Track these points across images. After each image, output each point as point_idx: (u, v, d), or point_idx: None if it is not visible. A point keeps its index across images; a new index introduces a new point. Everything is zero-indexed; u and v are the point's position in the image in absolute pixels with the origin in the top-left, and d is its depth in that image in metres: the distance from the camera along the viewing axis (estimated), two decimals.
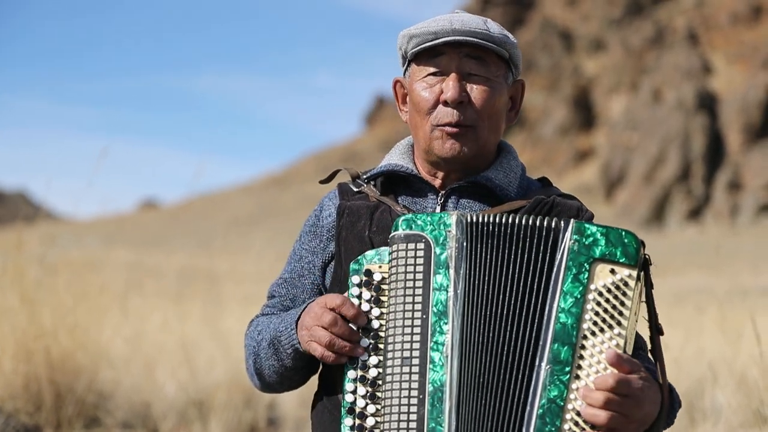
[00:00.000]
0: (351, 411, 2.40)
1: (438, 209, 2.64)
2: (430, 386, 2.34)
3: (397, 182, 2.73)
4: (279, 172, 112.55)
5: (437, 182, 2.69)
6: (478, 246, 2.39)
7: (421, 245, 2.40)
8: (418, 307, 2.37)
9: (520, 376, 2.34)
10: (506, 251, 2.39)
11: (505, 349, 2.35)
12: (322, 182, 2.82)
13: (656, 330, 2.48)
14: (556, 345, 2.32)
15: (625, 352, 2.32)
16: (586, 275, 2.34)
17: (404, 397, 2.35)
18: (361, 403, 2.40)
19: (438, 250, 2.39)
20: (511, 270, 2.38)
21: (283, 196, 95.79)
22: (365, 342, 2.42)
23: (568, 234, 2.37)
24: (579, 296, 2.33)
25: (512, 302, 2.37)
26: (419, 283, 2.38)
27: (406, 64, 2.73)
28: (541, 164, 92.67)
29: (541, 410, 2.30)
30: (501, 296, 2.37)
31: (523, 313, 2.36)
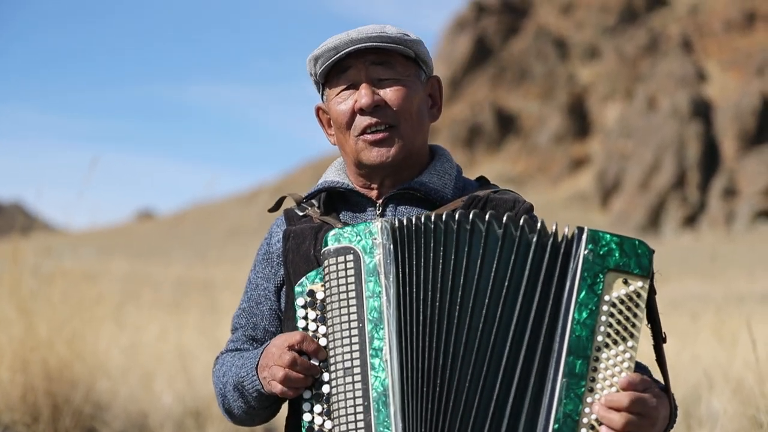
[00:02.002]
0: (311, 430, 2.42)
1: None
2: (374, 392, 2.34)
3: (337, 200, 2.75)
4: (274, 182, 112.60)
5: (373, 193, 2.71)
6: (407, 249, 2.39)
7: (350, 257, 2.41)
8: (354, 317, 2.39)
9: (522, 385, 2.32)
10: (432, 251, 2.38)
11: (487, 352, 2.33)
12: (270, 211, 2.85)
13: (661, 338, 2.48)
14: (571, 357, 2.28)
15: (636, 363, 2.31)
16: (601, 286, 2.30)
17: (350, 406, 2.36)
18: (318, 420, 2.42)
19: (367, 259, 2.40)
20: (443, 269, 2.36)
21: None
22: (315, 361, 2.43)
23: (582, 243, 2.33)
24: (594, 308, 2.29)
25: (466, 302, 2.34)
26: (352, 294, 2.40)
27: (321, 90, 2.75)
28: (536, 172, 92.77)
29: (557, 424, 2.27)
30: (449, 296, 2.35)
31: (515, 318, 2.33)
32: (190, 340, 9.17)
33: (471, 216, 2.38)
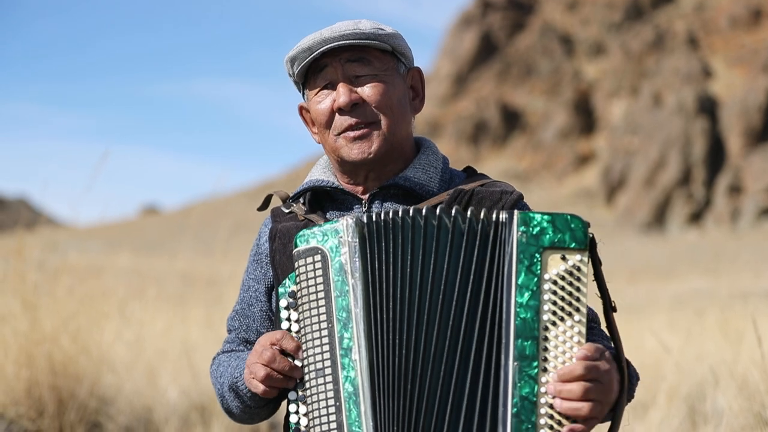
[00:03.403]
0: (297, 431, 2.44)
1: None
2: (345, 392, 2.35)
3: (323, 198, 2.75)
4: (279, 177, 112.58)
5: (359, 190, 2.70)
6: (372, 246, 2.39)
7: (318, 257, 2.42)
8: (324, 318, 2.40)
9: (477, 374, 2.32)
10: (400, 246, 2.37)
11: (445, 344, 2.32)
12: (258, 210, 2.83)
13: (610, 308, 2.46)
14: (519, 341, 2.28)
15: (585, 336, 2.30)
16: (539, 266, 2.30)
17: (323, 407, 2.38)
18: (303, 421, 2.43)
19: (333, 258, 2.40)
20: (411, 263, 2.36)
21: None
22: (298, 362, 2.44)
23: (514, 226, 2.33)
24: (535, 288, 2.29)
25: (442, 297, 2.34)
26: (321, 294, 2.41)
27: (301, 90, 2.75)
28: (542, 169, 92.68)
29: (515, 408, 2.28)
30: (408, 291, 2.35)
31: (466, 308, 2.33)
32: (195, 335, 9.17)
33: (437, 211, 2.37)
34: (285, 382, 2.45)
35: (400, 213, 2.38)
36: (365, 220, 2.40)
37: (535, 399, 2.28)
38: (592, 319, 2.59)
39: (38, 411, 6.77)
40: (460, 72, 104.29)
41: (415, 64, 2.76)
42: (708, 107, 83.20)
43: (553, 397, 2.27)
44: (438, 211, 2.37)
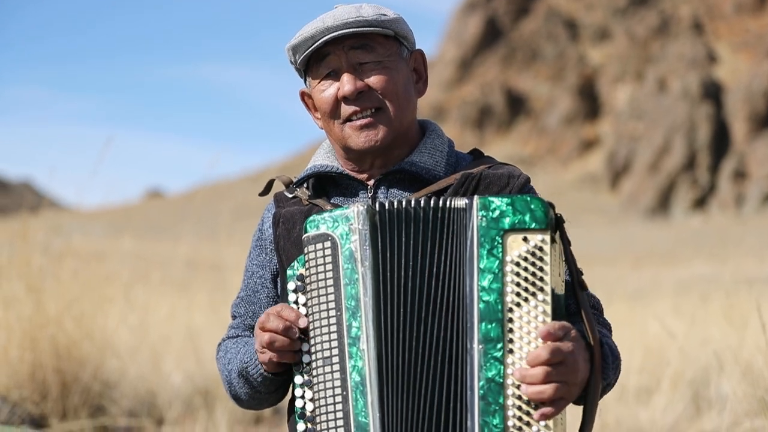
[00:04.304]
0: (302, 416, 2.44)
1: (370, 203, 2.62)
2: (352, 381, 2.34)
3: (327, 183, 2.73)
4: (284, 161, 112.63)
5: (364, 176, 2.68)
6: (382, 235, 2.38)
7: (327, 243, 2.40)
8: (332, 305, 2.38)
9: (449, 360, 2.32)
10: (412, 236, 2.37)
11: (431, 333, 2.33)
12: (260, 195, 2.82)
13: (579, 286, 2.44)
14: (483, 324, 2.28)
15: (555, 315, 2.29)
16: (500, 249, 2.30)
17: (329, 396, 2.37)
18: (309, 406, 2.43)
19: (344, 245, 2.39)
20: (421, 254, 2.36)
21: None
22: (306, 346, 2.43)
23: (474, 211, 2.32)
24: (497, 271, 2.29)
25: (431, 286, 2.34)
26: (330, 282, 2.39)
27: (303, 77, 2.72)
28: (546, 154, 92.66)
29: (482, 391, 2.28)
30: (418, 281, 2.35)
31: (444, 297, 2.34)
32: (199, 320, 9.17)
33: (422, 202, 2.37)
34: (291, 346, 2.43)
35: (412, 203, 2.37)
36: (377, 208, 2.39)
37: (501, 380, 2.27)
38: (593, 306, 2.58)
39: (42, 394, 6.78)
40: (465, 57, 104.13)
41: (419, 48, 2.74)
42: (713, 92, 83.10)
43: (519, 398, 2.27)
44: (423, 203, 2.37)
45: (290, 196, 2.71)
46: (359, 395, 2.33)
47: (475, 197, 2.33)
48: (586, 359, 2.33)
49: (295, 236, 2.59)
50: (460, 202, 2.35)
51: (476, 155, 2.76)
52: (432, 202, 2.37)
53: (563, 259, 2.39)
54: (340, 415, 2.35)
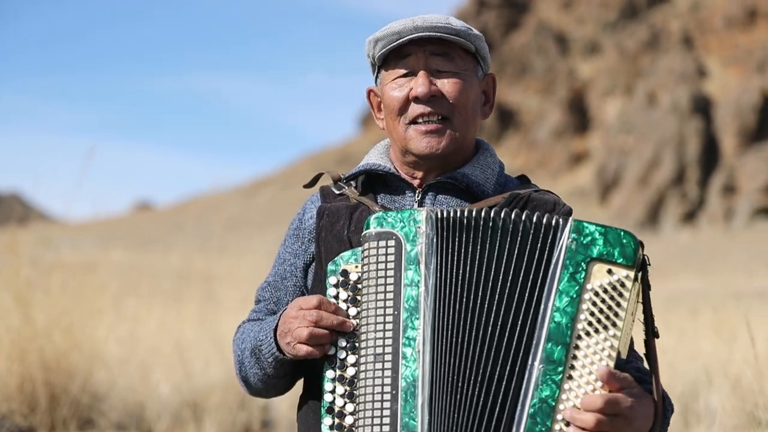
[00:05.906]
0: (330, 411, 2.42)
1: (416, 206, 2.65)
2: (403, 381, 2.34)
3: (376, 182, 2.75)
4: (274, 173, 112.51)
5: (416, 181, 2.70)
6: (449, 241, 2.38)
7: (391, 242, 2.41)
8: (390, 303, 2.38)
9: (507, 373, 2.32)
10: (479, 245, 2.37)
11: (491, 344, 2.33)
12: (305, 186, 2.84)
13: (652, 333, 2.43)
14: (549, 344, 2.29)
15: (619, 353, 2.29)
16: (583, 275, 2.31)
17: (377, 393, 2.36)
18: (339, 402, 2.41)
19: (408, 247, 2.39)
20: (486, 263, 2.36)
21: (277, 198, 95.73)
22: (342, 342, 2.43)
23: (566, 232, 2.34)
24: (575, 296, 2.30)
25: (496, 297, 2.35)
26: (390, 280, 2.39)
27: (376, 72, 2.74)
28: (536, 167, 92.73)
29: (532, 409, 2.28)
30: (481, 291, 2.35)
31: (512, 309, 2.34)
32: (188, 332, 9.16)
33: (505, 214, 2.38)
34: (329, 338, 2.42)
35: (476, 212, 2.38)
36: (445, 215, 2.39)
37: (553, 404, 2.28)
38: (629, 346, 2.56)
39: (30, 407, 6.77)
40: None
41: (492, 72, 2.77)
42: (702, 107, 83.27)
43: (567, 424, 2.27)
44: (504, 214, 2.37)
45: (337, 192, 2.72)
46: (409, 396, 2.33)
47: (570, 218, 2.36)
48: (647, 415, 2.33)
49: (337, 230, 2.61)
50: (551, 220, 2.35)
51: (523, 180, 2.79)
52: (514, 214, 2.38)
53: (639, 300, 2.38)
54: (387, 413, 2.34)
